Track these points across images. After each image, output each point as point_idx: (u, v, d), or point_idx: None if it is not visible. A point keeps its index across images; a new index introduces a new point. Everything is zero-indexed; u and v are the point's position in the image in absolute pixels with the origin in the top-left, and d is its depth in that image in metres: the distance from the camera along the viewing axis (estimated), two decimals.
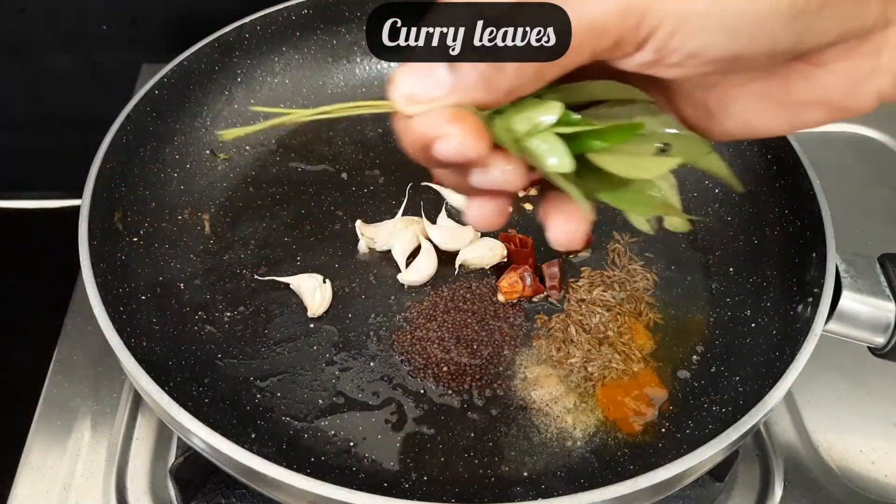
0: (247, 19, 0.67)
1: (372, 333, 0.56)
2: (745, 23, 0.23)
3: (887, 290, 0.48)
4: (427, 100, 0.26)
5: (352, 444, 0.50)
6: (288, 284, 0.58)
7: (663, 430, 0.51)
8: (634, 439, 0.51)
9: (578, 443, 0.50)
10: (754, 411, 0.43)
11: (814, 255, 0.51)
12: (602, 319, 0.57)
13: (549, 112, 0.26)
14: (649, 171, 0.27)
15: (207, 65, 0.66)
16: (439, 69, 0.25)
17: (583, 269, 0.61)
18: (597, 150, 0.27)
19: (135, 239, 0.57)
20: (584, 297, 0.58)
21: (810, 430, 0.58)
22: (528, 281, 0.57)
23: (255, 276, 0.59)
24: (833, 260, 0.49)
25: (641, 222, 0.30)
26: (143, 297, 0.54)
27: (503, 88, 0.25)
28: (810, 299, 0.49)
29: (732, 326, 0.56)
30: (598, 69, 0.27)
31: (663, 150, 0.28)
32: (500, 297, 0.58)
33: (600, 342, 0.56)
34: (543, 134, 0.26)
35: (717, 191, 0.64)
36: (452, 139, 0.25)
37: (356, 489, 0.38)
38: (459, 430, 0.51)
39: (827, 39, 0.24)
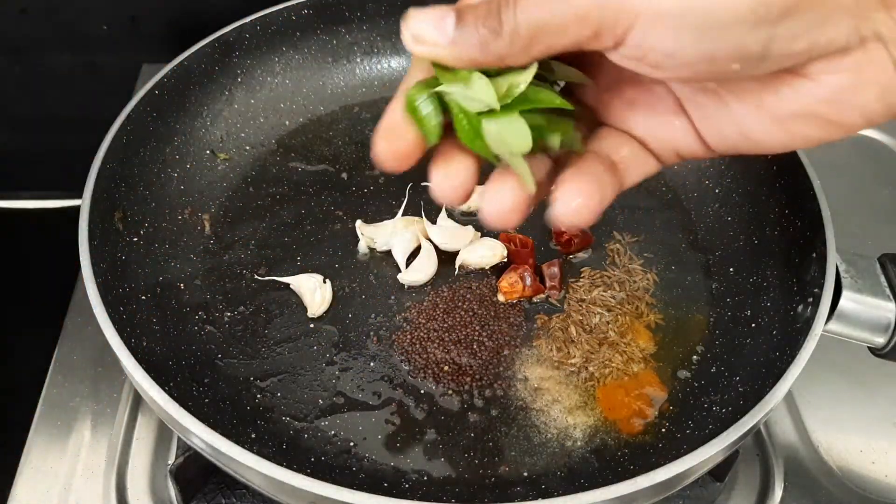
0: (247, 19, 0.67)
1: (372, 333, 0.56)
2: (711, 25, 0.25)
3: (887, 290, 0.48)
4: (430, 43, 0.28)
5: (352, 444, 0.50)
6: (288, 284, 0.58)
7: (663, 430, 0.51)
8: (634, 439, 0.51)
9: (578, 443, 0.50)
10: (754, 411, 0.43)
11: (814, 255, 0.51)
12: (602, 319, 0.57)
13: (524, 74, 0.28)
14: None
15: (207, 65, 0.66)
16: (448, 20, 0.27)
17: (583, 269, 0.61)
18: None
19: (135, 239, 0.57)
20: (585, 297, 0.58)
21: (810, 430, 0.58)
22: (528, 281, 0.57)
23: (255, 276, 0.59)
24: (833, 260, 0.49)
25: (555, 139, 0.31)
26: (143, 297, 0.54)
27: (495, 52, 0.27)
28: (810, 299, 0.49)
29: (732, 326, 0.56)
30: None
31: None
32: (500, 297, 0.58)
33: (600, 342, 0.56)
34: (509, 116, 0.29)
35: (717, 191, 0.64)
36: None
37: (356, 489, 0.38)
38: (459, 430, 0.51)
39: (797, 48, 0.26)
